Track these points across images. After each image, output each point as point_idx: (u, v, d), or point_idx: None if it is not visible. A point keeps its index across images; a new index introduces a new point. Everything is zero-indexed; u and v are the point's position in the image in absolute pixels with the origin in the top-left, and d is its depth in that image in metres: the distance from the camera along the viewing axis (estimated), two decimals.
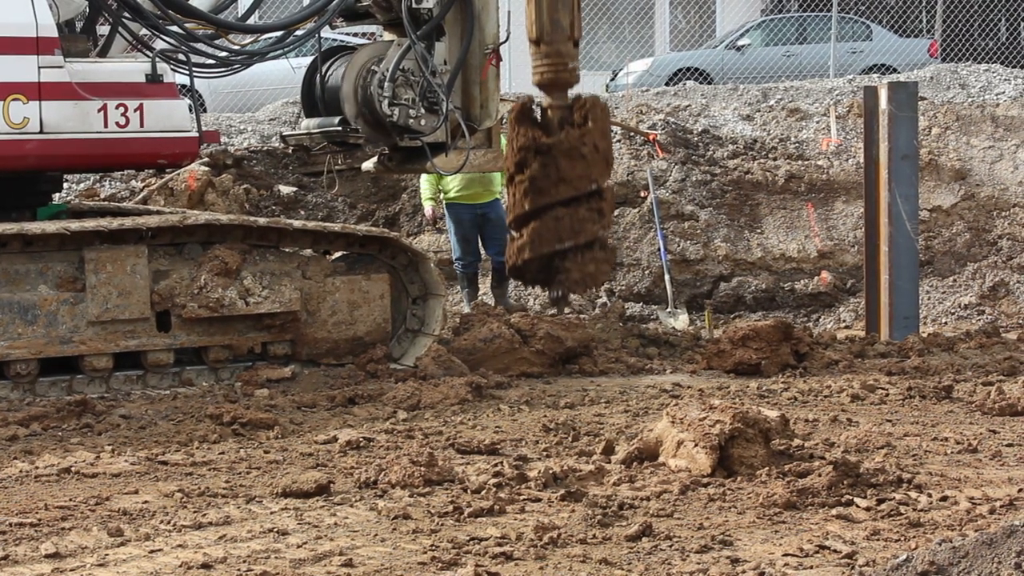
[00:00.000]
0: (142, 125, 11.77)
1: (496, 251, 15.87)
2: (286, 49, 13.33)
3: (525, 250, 14.08)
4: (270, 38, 13.42)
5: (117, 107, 11.67)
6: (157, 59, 11.96)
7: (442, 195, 15.93)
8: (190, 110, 12.27)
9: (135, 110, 11.72)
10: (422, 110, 12.95)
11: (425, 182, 16.21)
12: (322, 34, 13.40)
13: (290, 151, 17.92)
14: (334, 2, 12.94)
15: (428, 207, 16.47)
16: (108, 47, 12.35)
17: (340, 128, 12.91)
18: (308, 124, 13.37)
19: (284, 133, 14.85)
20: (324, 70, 13.14)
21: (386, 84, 12.75)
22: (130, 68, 11.93)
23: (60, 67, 11.46)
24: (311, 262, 12.04)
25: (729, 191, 17.87)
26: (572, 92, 13.82)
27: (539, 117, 14.09)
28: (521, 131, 14.02)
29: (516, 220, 14.11)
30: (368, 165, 14.36)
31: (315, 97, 13.27)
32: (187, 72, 12.34)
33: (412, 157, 13.46)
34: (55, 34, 11.43)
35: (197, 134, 12.14)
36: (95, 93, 11.59)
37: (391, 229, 16.46)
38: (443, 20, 13.18)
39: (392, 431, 9.66)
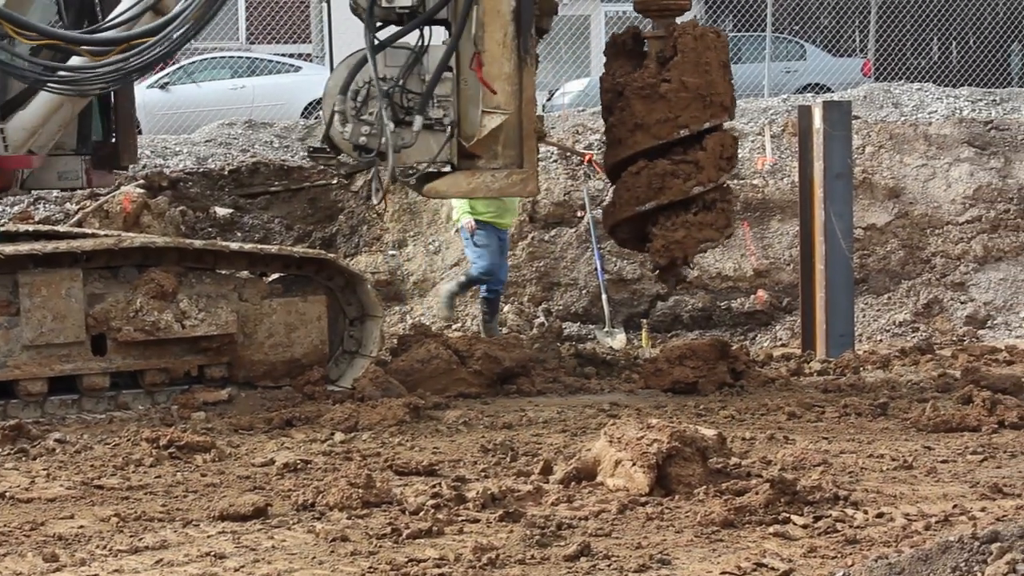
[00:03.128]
0: None
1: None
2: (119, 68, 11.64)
3: (611, 212, 12.73)
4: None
5: None
6: None
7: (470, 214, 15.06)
8: None
9: None
10: (391, 126, 11.64)
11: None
12: None
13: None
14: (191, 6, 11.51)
15: (468, 219, 15.08)
16: None
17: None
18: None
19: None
20: None
21: (337, 97, 11.79)
22: None
23: None
24: (248, 284, 11.99)
25: None
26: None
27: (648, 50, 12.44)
28: (610, 68, 12.52)
29: (608, 175, 12.89)
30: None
31: None
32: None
33: (429, 177, 12.13)
34: None
35: None
36: None
37: (328, 250, 16.41)
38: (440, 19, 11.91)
39: (330, 453, 9.64)
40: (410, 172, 11.98)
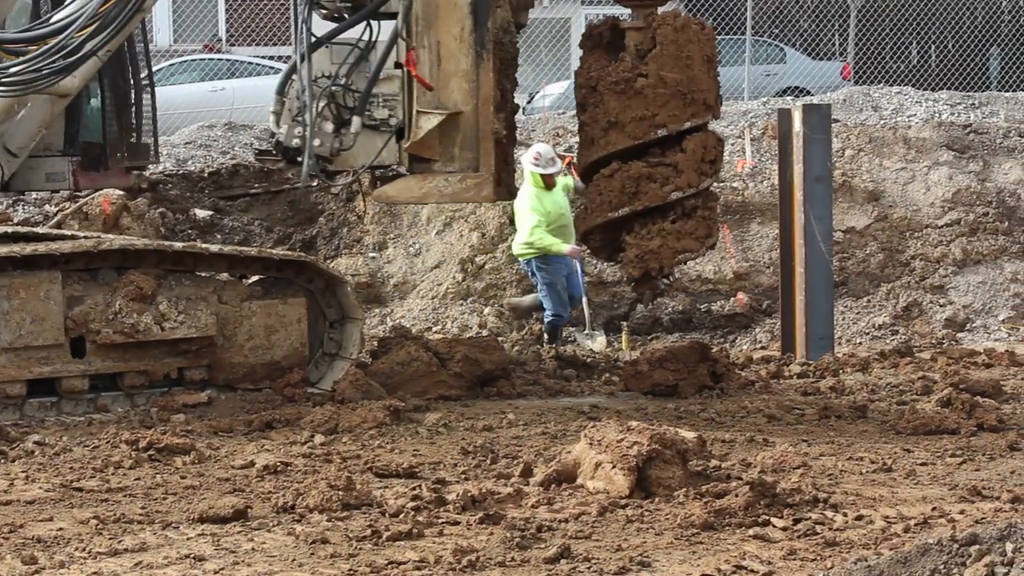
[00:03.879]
0: None
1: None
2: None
3: (583, 218, 11.81)
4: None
5: None
6: None
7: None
8: None
9: None
10: (327, 127, 11.43)
11: (538, 215, 14.48)
12: None
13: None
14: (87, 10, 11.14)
15: (569, 247, 14.76)
16: None
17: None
18: None
19: None
20: None
21: (274, 97, 11.51)
22: None
23: None
24: (227, 287, 11.96)
25: None
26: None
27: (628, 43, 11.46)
28: (585, 62, 11.56)
29: (581, 178, 11.99)
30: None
31: None
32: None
33: (387, 180, 11.84)
34: None
35: None
36: None
37: (308, 253, 16.40)
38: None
39: (310, 455, 9.62)
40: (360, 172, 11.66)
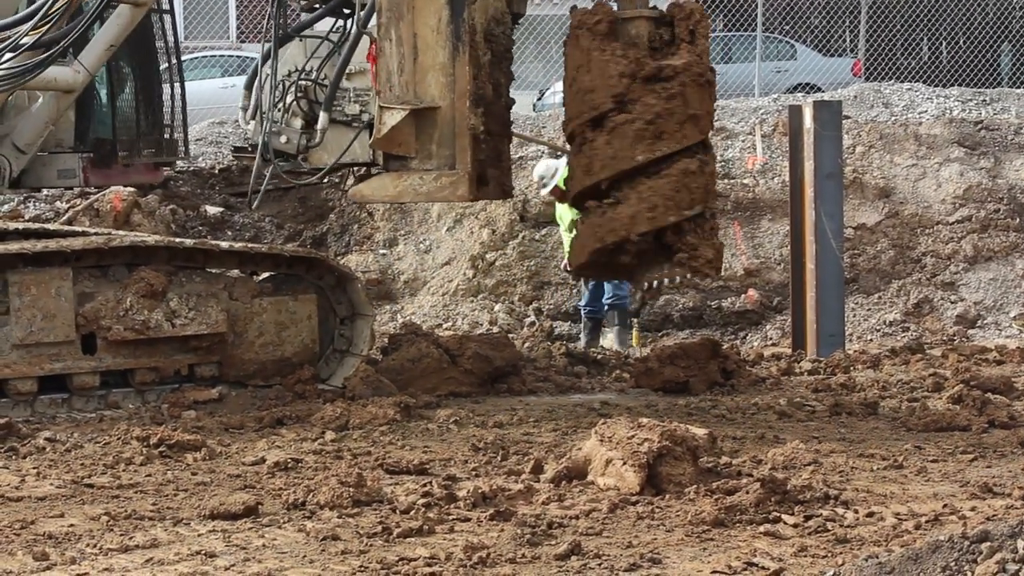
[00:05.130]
0: None
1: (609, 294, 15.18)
2: None
3: (650, 217, 10.30)
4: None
5: None
6: None
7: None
8: None
9: None
10: (296, 123, 11.35)
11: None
12: None
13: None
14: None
15: None
16: None
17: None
18: None
19: None
20: None
21: (243, 92, 11.41)
22: None
23: None
24: (238, 283, 11.96)
25: None
26: None
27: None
28: (619, 51, 10.29)
29: (615, 179, 10.36)
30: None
31: None
32: None
33: (367, 176, 11.60)
34: None
35: None
36: None
37: (319, 249, 16.41)
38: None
39: (320, 452, 9.62)
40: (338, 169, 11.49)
